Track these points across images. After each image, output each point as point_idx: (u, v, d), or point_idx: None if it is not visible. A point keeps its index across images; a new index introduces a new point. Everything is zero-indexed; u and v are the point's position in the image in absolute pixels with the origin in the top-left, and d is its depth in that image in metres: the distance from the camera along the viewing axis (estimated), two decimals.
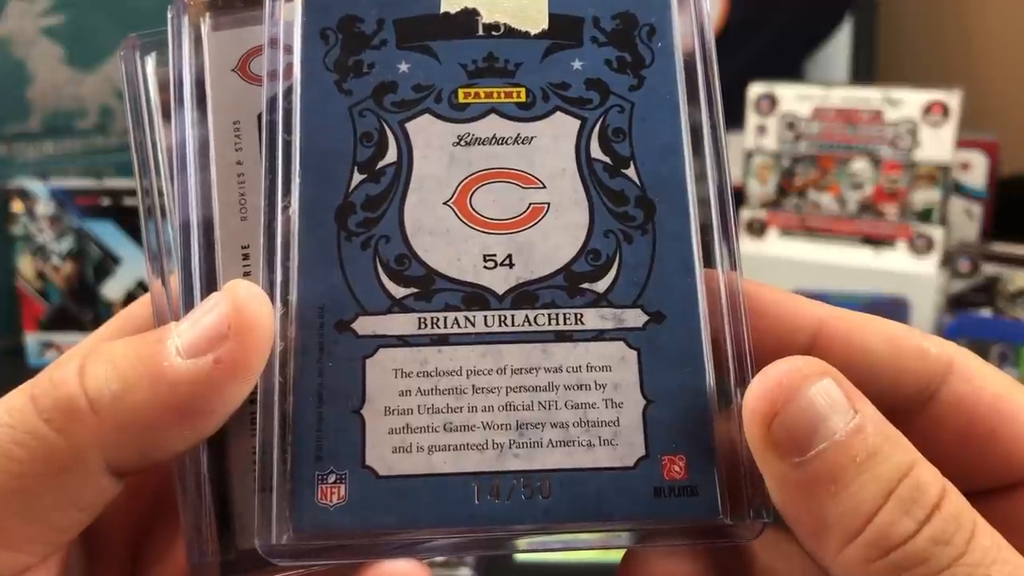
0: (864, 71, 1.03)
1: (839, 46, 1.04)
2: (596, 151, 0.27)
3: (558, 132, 0.27)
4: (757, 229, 0.92)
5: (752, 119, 0.91)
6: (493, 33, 0.28)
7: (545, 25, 0.28)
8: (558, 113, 0.28)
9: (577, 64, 0.28)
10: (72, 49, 0.91)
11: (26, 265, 0.89)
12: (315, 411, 0.25)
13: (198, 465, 0.26)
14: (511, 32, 0.28)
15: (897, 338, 0.27)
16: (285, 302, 0.26)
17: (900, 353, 0.27)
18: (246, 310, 0.23)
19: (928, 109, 0.85)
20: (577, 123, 0.28)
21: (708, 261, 0.27)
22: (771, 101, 0.90)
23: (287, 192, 0.26)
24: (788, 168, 0.91)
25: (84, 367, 0.23)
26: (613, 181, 0.27)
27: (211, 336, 0.23)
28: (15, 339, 0.90)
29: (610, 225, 0.27)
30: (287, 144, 0.27)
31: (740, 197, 0.93)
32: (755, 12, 1.04)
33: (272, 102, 0.27)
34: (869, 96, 0.88)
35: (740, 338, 0.26)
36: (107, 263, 0.89)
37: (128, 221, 0.88)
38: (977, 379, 0.26)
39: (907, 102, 0.86)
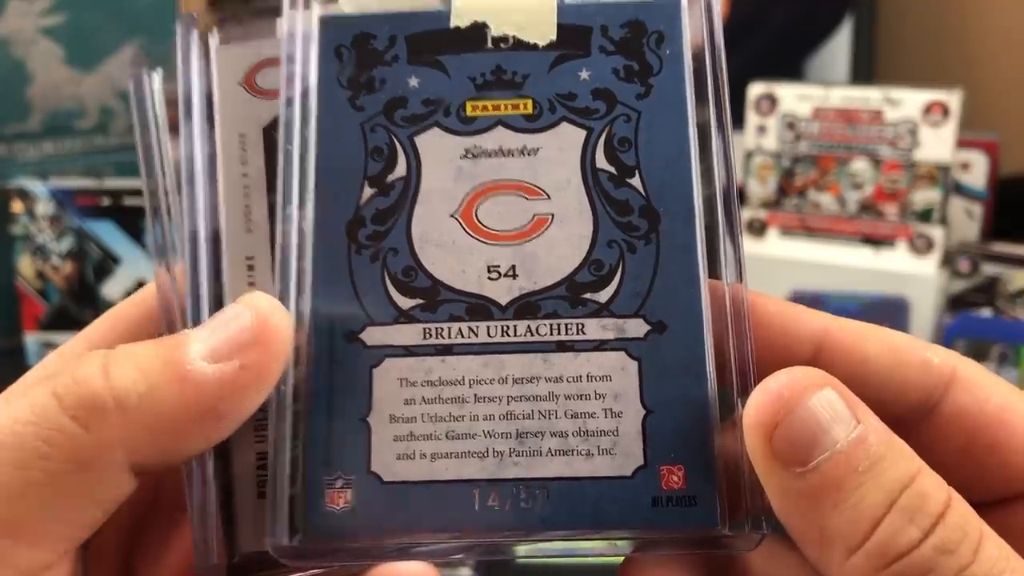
0: (864, 71, 1.04)
1: (839, 46, 1.04)
2: (601, 161, 0.28)
3: (564, 143, 0.28)
4: (757, 229, 0.93)
5: (752, 119, 0.92)
6: (502, 46, 0.29)
7: (553, 36, 0.28)
8: (564, 124, 0.28)
9: (584, 74, 0.28)
10: (72, 49, 0.91)
11: (26, 265, 0.90)
12: (324, 419, 0.26)
13: (205, 470, 0.27)
14: (519, 44, 0.29)
15: (900, 349, 0.27)
16: (298, 313, 0.27)
17: (903, 364, 0.27)
18: (269, 321, 0.25)
19: (928, 109, 0.86)
20: (583, 133, 0.28)
21: (713, 271, 0.27)
22: (771, 101, 0.91)
23: (302, 207, 0.27)
24: (788, 168, 0.92)
25: (107, 367, 0.24)
26: (618, 191, 0.28)
27: (236, 343, 0.24)
28: (15, 339, 0.91)
29: (614, 235, 0.27)
30: (302, 159, 0.28)
31: (740, 197, 0.94)
32: (755, 12, 1.05)
33: (289, 119, 0.28)
34: (869, 96, 0.88)
35: (744, 349, 0.26)
36: (107, 263, 0.90)
37: (128, 221, 0.89)
38: (980, 390, 0.26)
39: (907, 102, 0.87)
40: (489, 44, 0.29)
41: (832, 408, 0.23)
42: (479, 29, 0.29)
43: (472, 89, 0.28)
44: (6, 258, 0.90)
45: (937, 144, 0.87)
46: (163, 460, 0.25)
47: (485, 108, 0.28)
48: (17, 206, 0.89)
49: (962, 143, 0.88)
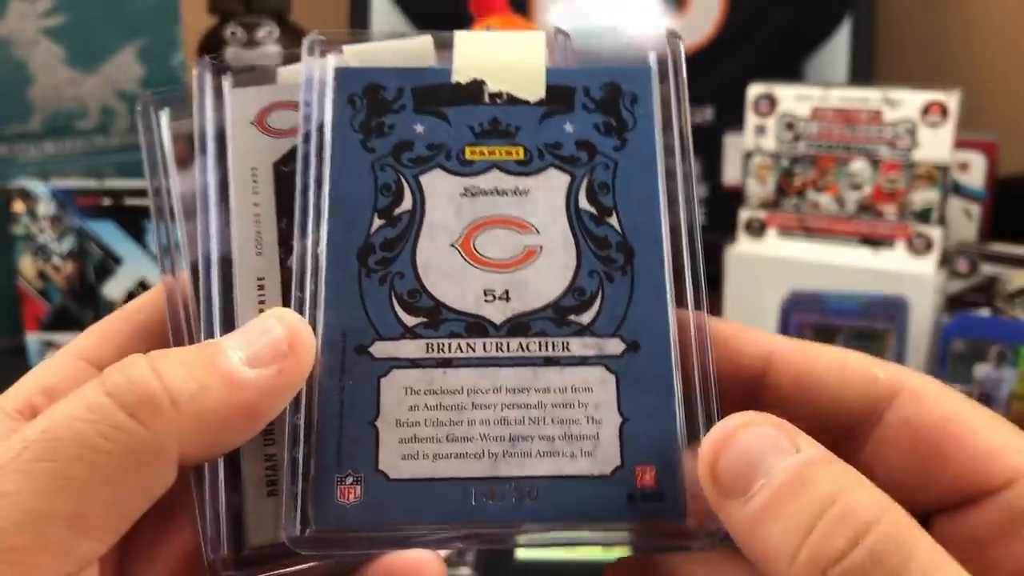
0: (863, 72, 1.05)
1: (839, 46, 1.05)
2: (584, 202, 0.32)
3: (551, 186, 0.32)
4: (756, 229, 0.94)
5: (751, 119, 0.93)
6: (497, 100, 0.33)
7: (542, 94, 0.33)
8: (551, 169, 0.32)
9: (569, 127, 0.32)
10: (73, 50, 0.93)
11: (27, 265, 0.91)
12: (337, 422, 0.29)
13: (215, 467, 0.30)
14: (513, 100, 0.33)
15: (847, 366, 0.29)
16: (313, 329, 0.30)
17: (849, 379, 0.29)
18: (299, 333, 0.28)
19: (927, 109, 0.87)
20: (568, 178, 0.32)
21: (679, 299, 0.31)
22: (770, 101, 0.92)
23: (316, 233, 0.31)
24: (787, 168, 0.93)
25: (157, 368, 0.26)
26: (598, 229, 0.32)
27: (274, 352, 0.27)
28: (16, 339, 0.92)
29: (594, 266, 0.31)
30: (316, 192, 0.31)
31: (739, 197, 0.95)
32: (755, 12, 1.07)
33: (306, 154, 0.32)
34: (868, 96, 0.89)
35: (705, 366, 0.30)
36: (108, 263, 0.91)
37: (129, 221, 0.91)
38: (924, 400, 0.28)
39: (906, 102, 0.87)
40: (486, 99, 0.33)
41: (769, 440, 0.25)
42: (478, 85, 0.33)
43: (471, 136, 0.32)
44: (7, 258, 0.91)
45: (936, 144, 0.87)
46: (204, 455, 0.27)
47: (482, 153, 0.32)
48: (18, 206, 0.90)
49: (961, 143, 0.89)
